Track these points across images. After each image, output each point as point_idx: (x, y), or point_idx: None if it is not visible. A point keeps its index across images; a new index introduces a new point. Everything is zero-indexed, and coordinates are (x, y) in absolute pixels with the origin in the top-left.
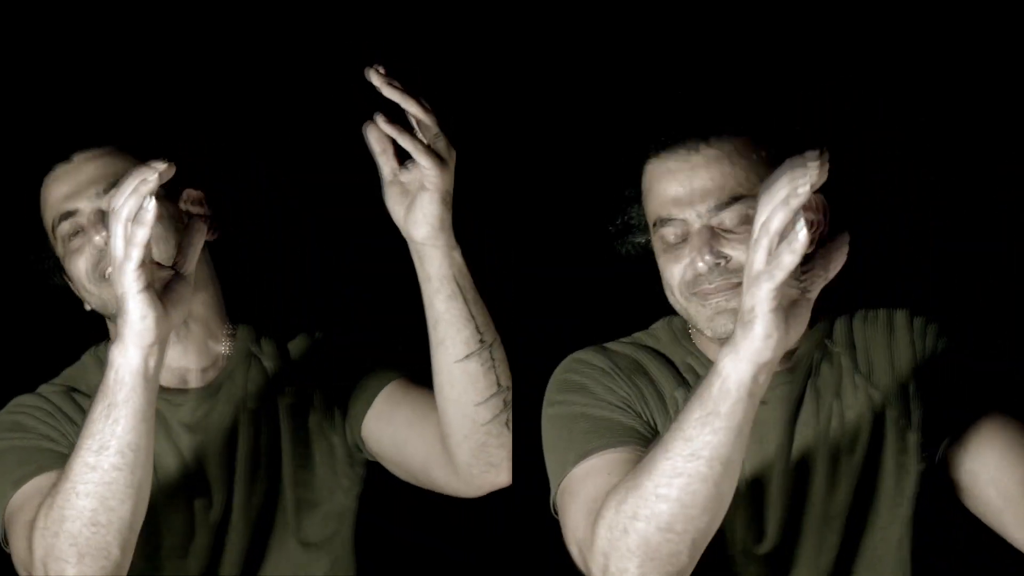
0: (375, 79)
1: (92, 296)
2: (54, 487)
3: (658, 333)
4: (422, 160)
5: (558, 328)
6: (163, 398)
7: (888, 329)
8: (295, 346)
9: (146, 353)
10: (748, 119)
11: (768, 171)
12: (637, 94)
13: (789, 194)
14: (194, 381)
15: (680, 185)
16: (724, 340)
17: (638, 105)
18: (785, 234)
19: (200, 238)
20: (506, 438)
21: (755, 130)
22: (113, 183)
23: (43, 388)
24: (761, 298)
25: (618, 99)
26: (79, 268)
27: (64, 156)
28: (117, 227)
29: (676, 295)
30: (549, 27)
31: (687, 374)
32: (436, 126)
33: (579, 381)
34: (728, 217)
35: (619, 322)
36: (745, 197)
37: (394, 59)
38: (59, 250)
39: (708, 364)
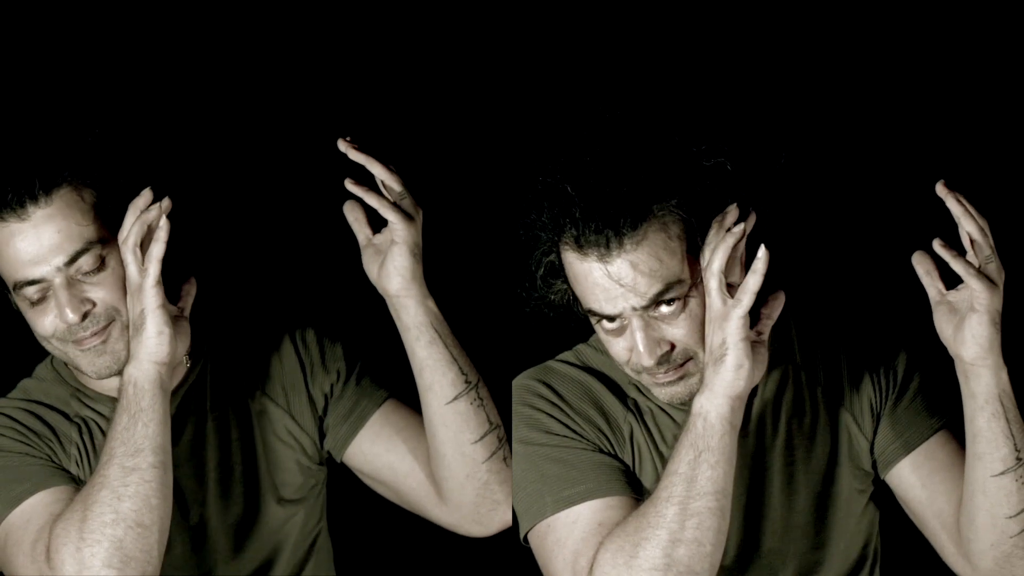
0: (343, 146)
1: (56, 351)
2: (80, 500)
3: (601, 345)
4: (387, 214)
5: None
6: None
7: (850, 344)
8: (271, 345)
9: (159, 368)
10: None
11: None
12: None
13: (722, 236)
14: None
15: (606, 285)
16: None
17: (556, 194)
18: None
19: (194, 288)
20: (506, 474)
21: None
22: (77, 252)
23: (2, 404)
24: (731, 329)
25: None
26: (44, 325)
27: (16, 202)
28: (128, 255)
29: (623, 368)
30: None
31: (632, 393)
32: (401, 186)
33: (535, 418)
34: (665, 307)
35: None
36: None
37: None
38: (17, 301)
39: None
